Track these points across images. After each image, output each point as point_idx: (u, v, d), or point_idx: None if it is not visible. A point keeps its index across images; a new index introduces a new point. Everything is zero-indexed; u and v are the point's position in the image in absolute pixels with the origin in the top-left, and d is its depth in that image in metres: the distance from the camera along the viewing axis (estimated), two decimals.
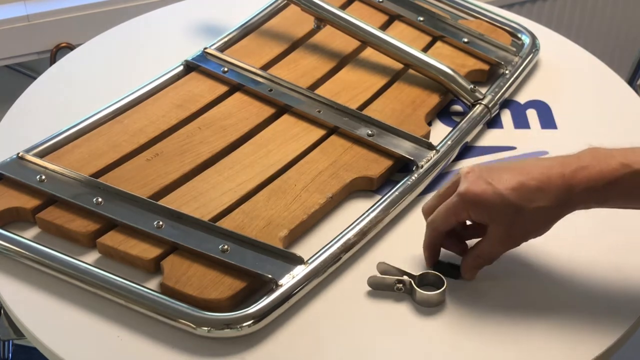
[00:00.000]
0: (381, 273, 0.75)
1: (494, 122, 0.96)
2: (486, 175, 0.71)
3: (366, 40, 0.99)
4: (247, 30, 1.05)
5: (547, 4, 1.77)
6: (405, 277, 0.74)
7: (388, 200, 0.82)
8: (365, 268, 0.78)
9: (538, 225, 0.71)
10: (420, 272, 0.75)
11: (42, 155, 0.86)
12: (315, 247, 0.77)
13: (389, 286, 0.75)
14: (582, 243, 0.81)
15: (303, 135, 0.90)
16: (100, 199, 0.80)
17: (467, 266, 0.75)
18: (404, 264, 0.76)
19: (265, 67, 0.99)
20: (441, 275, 0.75)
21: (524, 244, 0.73)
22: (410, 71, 0.99)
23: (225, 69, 0.97)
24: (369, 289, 0.75)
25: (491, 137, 0.94)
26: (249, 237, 0.76)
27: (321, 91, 0.95)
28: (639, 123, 0.97)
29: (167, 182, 0.83)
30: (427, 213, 0.76)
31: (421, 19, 1.06)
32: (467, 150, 0.92)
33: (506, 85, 0.98)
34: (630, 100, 1.00)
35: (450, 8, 1.11)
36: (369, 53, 1.01)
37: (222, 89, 0.96)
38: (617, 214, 0.83)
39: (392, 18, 1.09)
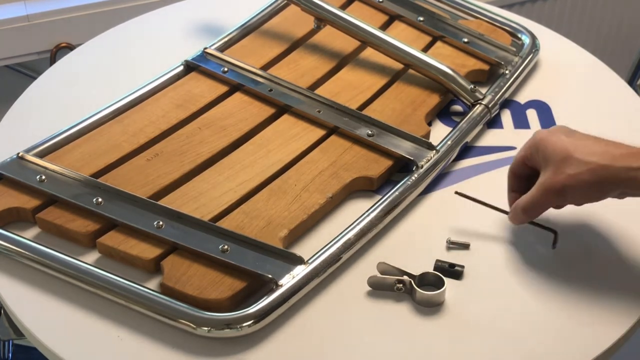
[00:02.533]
0: (381, 273, 0.75)
1: (494, 122, 0.96)
2: (562, 130, 0.74)
3: (366, 40, 0.99)
4: (247, 30, 1.05)
5: (547, 4, 1.77)
6: (405, 277, 0.74)
7: (388, 200, 0.82)
8: (365, 268, 0.78)
9: (583, 181, 0.71)
10: (420, 272, 0.75)
11: (42, 155, 0.86)
12: (315, 247, 0.77)
13: (389, 286, 0.75)
14: (583, 242, 0.81)
15: (303, 135, 0.90)
16: (100, 199, 0.80)
17: (512, 209, 0.78)
18: (404, 264, 0.76)
19: (265, 67, 0.99)
20: (441, 275, 0.75)
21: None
22: (410, 71, 0.99)
23: (225, 69, 0.97)
24: (369, 289, 0.75)
25: (491, 137, 0.94)
26: (249, 237, 0.76)
27: (321, 91, 0.95)
28: (639, 123, 0.97)
29: (167, 182, 0.83)
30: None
31: (421, 19, 1.06)
32: (467, 150, 0.92)
33: (506, 85, 0.98)
34: (630, 100, 1.00)
35: (450, 8, 1.11)
36: (369, 53, 1.01)
37: (222, 89, 0.96)
38: (616, 214, 0.83)
39: (392, 18, 1.09)
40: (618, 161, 0.70)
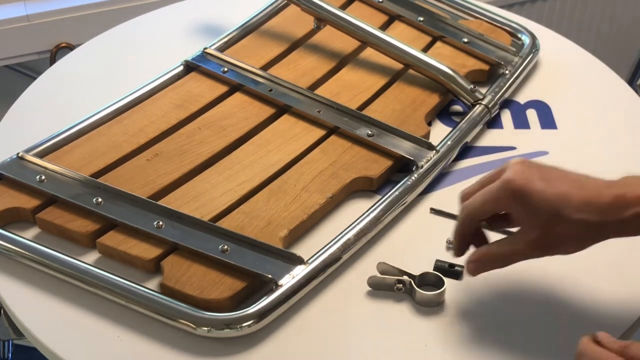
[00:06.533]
0: (381, 273, 0.75)
1: (494, 122, 0.96)
2: (534, 171, 0.66)
3: (366, 40, 0.99)
4: (247, 30, 1.05)
5: (547, 4, 1.77)
6: (405, 277, 0.74)
7: (388, 200, 0.82)
8: (365, 268, 0.78)
9: (573, 238, 0.66)
10: (420, 272, 0.75)
11: (42, 155, 0.86)
12: (315, 247, 0.77)
13: (388, 286, 0.75)
14: None
15: (303, 135, 0.90)
16: (100, 199, 0.80)
17: (478, 257, 0.70)
18: (404, 264, 0.76)
19: (265, 67, 0.99)
20: (441, 276, 0.75)
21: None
22: (410, 71, 0.99)
23: (225, 69, 0.97)
24: (369, 289, 0.75)
25: (491, 137, 0.94)
26: (249, 237, 0.76)
27: (321, 91, 0.95)
28: (639, 123, 0.97)
29: (167, 182, 0.83)
30: (464, 198, 0.70)
31: (421, 19, 1.06)
32: (467, 150, 0.92)
33: (506, 85, 0.98)
34: (630, 100, 1.00)
35: (450, 8, 1.11)
36: (369, 53, 1.01)
37: (222, 89, 0.96)
38: None
39: (392, 18, 1.09)
40: (609, 215, 0.65)
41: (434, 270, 0.76)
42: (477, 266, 0.70)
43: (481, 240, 0.72)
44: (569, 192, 0.65)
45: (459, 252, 0.72)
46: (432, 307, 0.74)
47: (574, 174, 0.68)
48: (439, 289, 0.74)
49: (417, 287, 0.74)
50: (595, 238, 0.67)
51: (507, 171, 0.67)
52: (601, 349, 0.60)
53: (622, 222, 0.65)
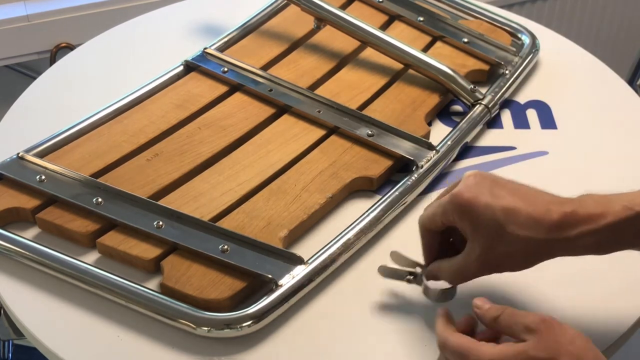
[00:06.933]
0: (394, 262, 0.73)
1: (494, 122, 0.96)
2: (486, 184, 0.65)
3: (366, 40, 0.99)
4: (247, 30, 1.05)
5: (547, 4, 1.77)
6: (417, 269, 0.73)
7: (388, 200, 0.82)
8: (365, 268, 0.78)
9: (518, 256, 0.65)
10: None
11: (42, 155, 0.86)
12: (315, 247, 0.78)
13: (399, 276, 0.73)
14: None
15: (303, 135, 0.90)
16: (100, 199, 0.80)
17: (430, 273, 0.71)
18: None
19: (265, 67, 0.99)
20: None
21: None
22: (410, 71, 0.99)
23: (225, 69, 0.97)
24: (369, 289, 0.75)
25: (491, 137, 0.94)
26: (249, 237, 0.76)
27: (321, 91, 0.95)
28: (639, 123, 0.97)
29: (167, 182, 0.83)
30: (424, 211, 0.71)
31: (421, 19, 1.06)
32: (467, 150, 0.92)
33: (506, 85, 0.98)
34: (630, 100, 1.00)
35: (450, 8, 1.11)
36: (369, 53, 1.01)
37: (222, 89, 0.96)
38: None
39: (392, 18, 1.09)
40: (553, 233, 0.63)
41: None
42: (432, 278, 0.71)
43: (451, 251, 0.70)
44: (516, 208, 0.63)
45: (425, 261, 0.72)
46: (441, 302, 0.72)
47: (529, 188, 0.66)
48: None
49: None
50: (541, 256, 0.65)
51: (459, 185, 0.66)
52: (460, 340, 0.61)
53: (567, 241, 0.64)
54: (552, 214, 0.63)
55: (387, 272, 0.74)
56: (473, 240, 0.65)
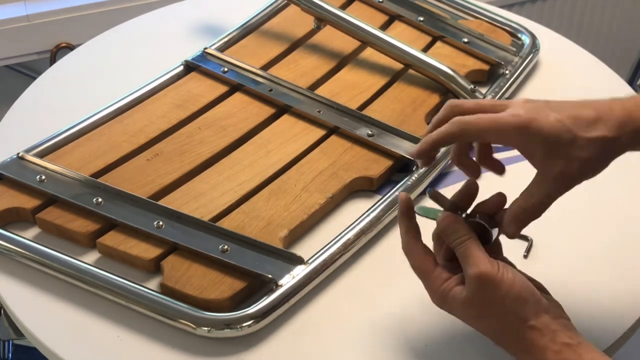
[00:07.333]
0: (432, 199, 0.69)
1: None
2: (541, 105, 0.64)
3: (366, 40, 0.99)
4: (247, 30, 1.05)
5: (547, 4, 1.77)
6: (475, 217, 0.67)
7: (388, 200, 0.82)
8: (366, 268, 0.78)
9: (595, 159, 0.64)
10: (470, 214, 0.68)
11: (42, 155, 0.86)
12: (315, 247, 0.78)
13: (435, 214, 0.68)
14: (582, 242, 0.81)
15: (303, 135, 0.90)
16: (100, 199, 0.80)
17: (513, 221, 0.66)
18: (404, 263, 0.76)
19: (265, 67, 0.99)
20: (487, 226, 0.67)
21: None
22: (410, 71, 0.99)
23: (225, 69, 0.97)
24: (369, 289, 0.75)
25: None
26: (249, 237, 0.76)
27: (321, 91, 0.95)
28: None
29: (167, 182, 0.83)
30: (456, 108, 0.66)
31: (421, 19, 1.06)
32: None
33: (506, 85, 0.98)
34: None
35: (450, 8, 1.11)
36: (369, 53, 1.01)
37: (222, 89, 0.96)
38: (616, 211, 0.83)
39: (392, 18, 1.09)
40: (622, 127, 0.63)
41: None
42: (517, 226, 0.66)
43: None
44: (580, 114, 0.63)
45: (422, 155, 0.67)
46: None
47: (578, 101, 0.66)
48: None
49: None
50: (615, 153, 0.65)
51: (514, 107, 0.64)
52: (419, 263, 0.66)
53: (635, 133, 0.64)
54: (616, 111, 0.64)
55: (424, 210, 0.68)
56: (549, 158, 0.64)
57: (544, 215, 0.74)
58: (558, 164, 0.63)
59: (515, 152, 0.89)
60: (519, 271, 0.64)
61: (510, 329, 0.62)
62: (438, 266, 0.66)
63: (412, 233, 0.67)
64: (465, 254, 0.63)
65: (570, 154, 0.63)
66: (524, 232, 0.72)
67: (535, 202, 0.65)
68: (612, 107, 0.64)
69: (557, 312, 0.63)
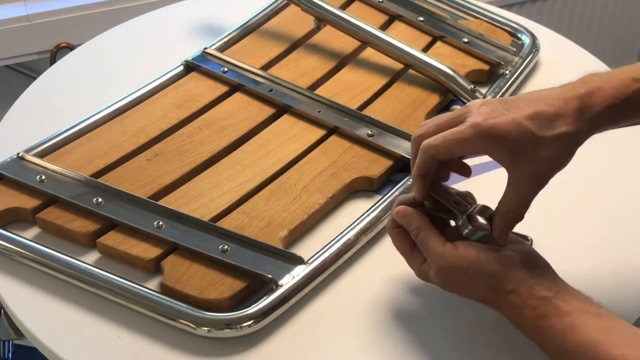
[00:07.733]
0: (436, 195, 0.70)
1: None
2: (497, 106, 0.64)
3: (366, 40, 0.99)
4: (247, 30, 1.05)
5: (547, 4, 1.77)
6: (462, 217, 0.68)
7: (388, 200, 0.82)
8: (366, 268, 0.78)
9: (560, 155, 0.64)
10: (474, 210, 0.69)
11: (42, 155, 0.86)
12: (315, 247, 0.78)
13: (447, 201, 0.69)
14: (582, 242, 0.81)
15: (303, 135, 0.90)
16: (100, 199, 0.80)
17: (499, 227, 0.67)
18: (403, 263, 0.76)
19: (265, 67, 0.99)
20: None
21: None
22: (410, 71, 0.99)
23: (225, 69, 0.97)
24: (369, 289, 0.75)
25: None
26: (249, 237, 0.76)
27: (321, 91, 0.95)
28: None
29: (167, 182, 0.83)
30: (419, 138, 0.67)
31: (421, 19, 1.06)
32: None
33: (506, 85, 0.98)
34: None
35: (450, 8, 1.11)
36: (369, 53, 1.01)
37: (222, 89, 0.96)
38: (616, 211, 0.83)
39: (392, 18, 1.09)
40: (581, 118, 0.64)
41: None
42: (505, 232, 0.67)
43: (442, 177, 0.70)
44: (537, 111, 0.64)
45: (422, 194, 0.69)
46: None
47: (533, 92, 0.67)
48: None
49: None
50: (578, 141, 0.66)
51: (474, 115, 0.65)
52: (400, 245, 0.71)
53: (592, 122, 0.65)
54: (571, 103, 0.64)
55: (437, 193, 0.69)
56: (516, 162, 0.64)
57: (543, 215, 0.74)
58: (527, 166, 0.64)
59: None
60: (489, 246, 0.66)
61: (488, 297, 0.66)
62: (415, 248, 0.70)
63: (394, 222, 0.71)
64: (422, 243, 0.68)
65: (536, 155, 0.64)
66: (523, 232, 0.73)
67: (513, 206, 0.66)
68: (566, 99, 0.65)
69: (532, 261, 0.65)
